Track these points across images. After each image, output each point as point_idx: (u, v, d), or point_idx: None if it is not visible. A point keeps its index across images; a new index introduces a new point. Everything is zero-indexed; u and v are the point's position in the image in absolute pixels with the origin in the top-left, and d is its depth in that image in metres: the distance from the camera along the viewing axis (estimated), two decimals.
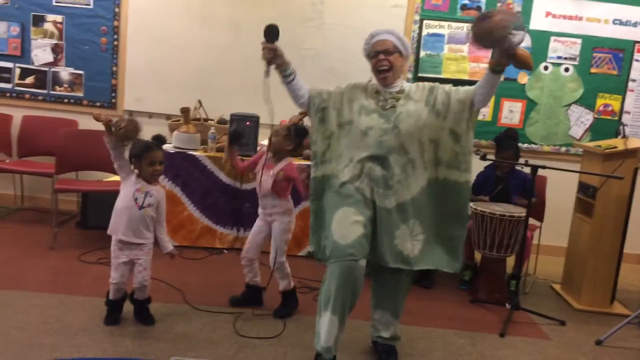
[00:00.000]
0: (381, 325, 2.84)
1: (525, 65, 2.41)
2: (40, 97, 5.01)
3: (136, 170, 2.90)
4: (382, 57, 2.58)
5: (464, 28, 4.88)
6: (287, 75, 2.67)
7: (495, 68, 2.41)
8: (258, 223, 3.30)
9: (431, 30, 4.91)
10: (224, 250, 4.32)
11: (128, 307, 2.99)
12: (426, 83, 2.67)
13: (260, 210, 3.28)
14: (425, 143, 2.56)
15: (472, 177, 4.03)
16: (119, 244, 2.87)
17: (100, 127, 2.86)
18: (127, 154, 2.90)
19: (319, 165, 2.70)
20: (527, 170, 3.60)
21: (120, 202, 2.88)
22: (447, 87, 2.61)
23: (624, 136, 3.82)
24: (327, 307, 2.47)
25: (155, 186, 2.95)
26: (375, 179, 2.54)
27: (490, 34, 2.29)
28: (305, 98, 2.72)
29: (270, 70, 2.65)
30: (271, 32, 2.62)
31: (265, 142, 4.86)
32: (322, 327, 2.50)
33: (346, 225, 2.49)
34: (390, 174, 2.53)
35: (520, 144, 4.45)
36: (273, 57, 2.62)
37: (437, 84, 2.65)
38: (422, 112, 2.56)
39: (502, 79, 2.55)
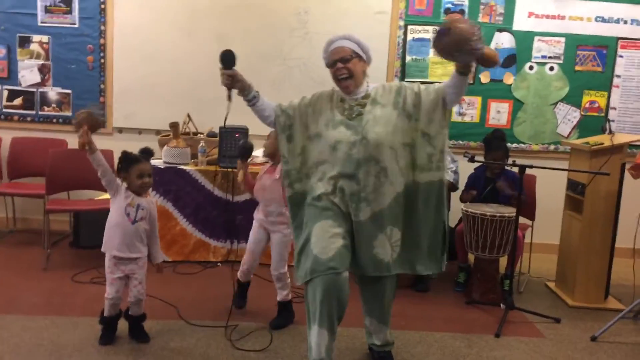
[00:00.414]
0: (373, 331, 2.83)
1: (492, 62, 2.42)
2: (28, 118, 5.01)
3: (125, 184, 2.89)
4: (340, 65, 2.52)
5: None
6: (249, 99, 2.65)
7: (464, 71, 2.41)
8: (257, 231, 3.30)
9: (416, 35, 4.94)
10: (218, 264, 4.32)
11: (123, 326, 2.99)
12: (392, 84, 2.64)
13: (260, 217, 3.26)
14: (399, 149, 2.52)
15: (447, 175, 4.08)
16: (114, 259, 2.86)
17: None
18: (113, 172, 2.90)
19: (294, 184, 2.66)
20: (515, 169, 3.62)
21: (112, 218, 2.87)
22: (416, 86, 2.58)
23: (610, 132, 3.84)
24: (314, 320, 2.47)
25: (146, 198, 2.94)
26: (349, 195, 2.51)
27: (459, 46, 2.26)
28: (271, 118, 2.69)
29: (232, 94, 2.65)
30: (227, 58, 2.60)
31: (256, 153, 4.90)
32: (312, 340, 2.49)
33: (325, 239, 2.47)
34: (362, 187, 2.50)
35: (509, 144, 4.48)
36: (232, 83, 2.59)
37: (403, 84, 2.62)
38: (390, 116, 2.52)
39: (470, 79, 2.53)
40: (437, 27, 4.83)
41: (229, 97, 2.63)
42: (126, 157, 2.88)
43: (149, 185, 2.93)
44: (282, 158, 2.72)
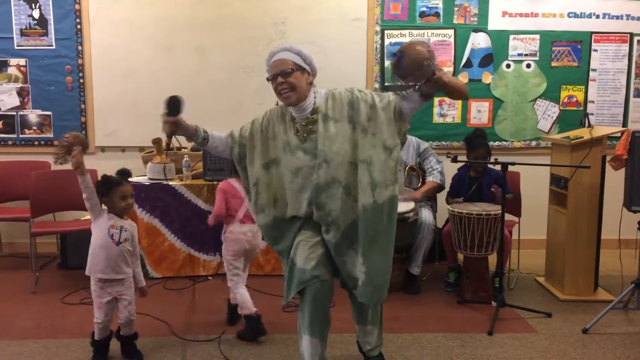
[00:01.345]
0: (362, 337, 2.82)
1: (459, 94, 2.40)
2: (10, 142, 4.97)
3: (105, 207, 2.88)
4: (281, 80, 2.41)
5: (425, 34, 4.96)
6: (200, 143, 2.61)
7: (426, 95, 2.37)
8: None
9: (393, 40, 4.99)
10: (209, 277, 4.30)
11: (115, 346, 2.96)
12: (343, 93, 2.50)
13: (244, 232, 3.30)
14: (359, 165, 2.42)
15: (433, 177, 4.12)
16: (100, 282, 2.84)
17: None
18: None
19: (259, 214, 2.62)
20: (498, 167, 3.66)
21: (96, 241, 2.85)
22: (369, 97, 2.46)
23: (589, 125, 3.90)
24: (305, 330, 2.47)
25: (127, 220, 2.94)
26: (317, 219, 2.48)
27: (417, 65, 2.26)
28: (227, 152, 2.66)
29: (172, 141, 2.62)
30: (173, 105, 2.52)
31: None
32: (305, 350, 2.49)
33: (306, 249, 2.46)
34: (328, 212, 2.45)
35: (491, 142, 4.53)
36: (175, 130, 2.53)
37: (355, 93, 2.48)
38: (345, 132, 2.43)
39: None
40: (412, 31, 4.94)
41: (167, 145, 2.59)
42: (107, 180, 2.86)
43: (131, 206, 2.92)
44: (245, 192, 2.71)
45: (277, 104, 2.66)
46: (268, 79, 2.49)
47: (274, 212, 2.58)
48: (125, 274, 2.88)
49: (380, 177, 2.41)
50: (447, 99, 5.03)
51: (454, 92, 2.38)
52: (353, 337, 3.02)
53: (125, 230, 2.87)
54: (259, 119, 2.64)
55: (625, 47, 5.08)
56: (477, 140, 4.15)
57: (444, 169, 4.20)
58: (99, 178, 2.89)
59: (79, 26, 4.87)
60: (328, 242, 2.50)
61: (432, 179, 4.13)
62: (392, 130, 2.43)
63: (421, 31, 4.97)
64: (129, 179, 2.93)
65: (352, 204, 2.44)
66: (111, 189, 2.83)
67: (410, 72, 2.29)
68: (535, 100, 5.11)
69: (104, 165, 4.83)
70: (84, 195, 2.80)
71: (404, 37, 4.97)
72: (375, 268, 2.46)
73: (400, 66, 2.31)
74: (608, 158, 3.80)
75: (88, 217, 4.34)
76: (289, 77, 2.40)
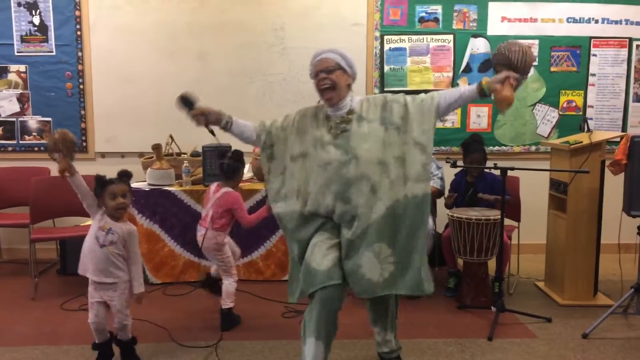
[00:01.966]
0: (380, 340, 2.86)
1: (504, 104, 2.50)
2: (10, 148, 4.98)
3: (104, 207, 2.86)
4: (324, 75, 2.53)
5: (424, 40, 4.98)
6: (224, 127, 2.67)
7: (486, 91, 2.51)
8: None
9: (392, 45, 5.00)
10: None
11: (118, 351, 2.96)
12: (377, 97, 2.62)
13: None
14: (390, 163, 2.51)
15: (433, 182, 4.13)
16: (94, 283, 2.82)
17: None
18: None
19: (277, 202, 2.67)
20: (496, 172, 3.66)
21: (86, 242, 2.84)
22: (401, 98, 2.58)
23: (589, 130, 3.90)
24: (311, 332, 2.48)
25: (121, 222, 2.85)
26: (339, 214, 2.51)
27: (530, 67, 2.58)
28: (253, 138, 2.72)
29: (214, 130, 2.69)
30: (186, 101, 2.61)
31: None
32: (308, 352, 2.49)
33: (322, 251, 2.49)
34: (353, 207, 2.49)
35: (490, 147, 4.53)
36: (206, 119, 2.62)
37: (387, 97, 2.61)
38: (378, 133, 2.52)
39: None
40: (412, 36, 4.95)
41: (213, 133, 2.68)
42: (98, 180, 2.83)
43: (124, 205, 2.83)
44: (264, 176, 2.73)
45: (318, 102, 2.71)
46: (311, 77, 2.61)
47: (296, 203, 2.62)
48: (116, 278, 2.81)
49: (412, 172, 2.50)
50: None
51: (504, 100, 2.49)
52: (367, 342, 3.02)
53: (112, 233, 2.79)
54: (292, 115, 2.73)
55: (624, 52, 5.09)
56: (473, 145, 4.16)
57: (443, 175, 4.20)
58: None
59: (79, 32, 4.89)
60: (346, 242, 2.50)
61: (431, 184, 4.12)
62: (425, 128, 2.53)
63: (421, 36, 4.98)
64: (128, 181, 2.90)
65: (377, 204, 2.48)
66: (102, 188, 2.81)
67: (526, 70, 2.54)
68: (534, 105, 5.12)
69: (103, 171, 4.73)
70: (79, 196, 2.79)
71: (404, 42, 4.98)
72: (406, 260, 2.52)
73: (520, 62, 2.49)
74: (607, 163, 3.79)
75: (88, 222, 4.36)
76: (331, 74, 2.51)
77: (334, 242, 2.53)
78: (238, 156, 3.46)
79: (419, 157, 2.52)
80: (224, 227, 3.39)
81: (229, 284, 3.42)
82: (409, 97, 2.59)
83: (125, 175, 2.90)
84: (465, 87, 2.61)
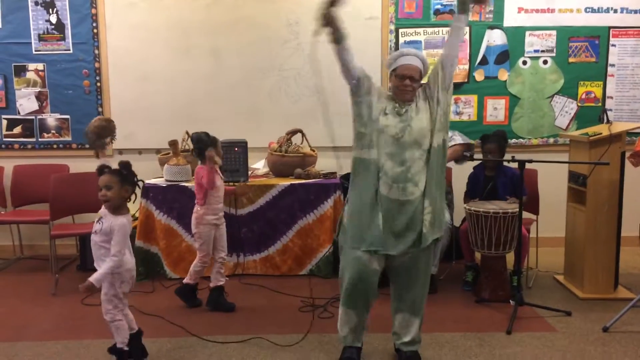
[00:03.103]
0: (402, 329, 2.88)
1: None
2: (29, 146, 5.05)
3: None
4: (409, 82, 2.72)
5: (440, 32, 4.94)
6: (339, 38, 2.71)
7: (464, 8, 2.76)
8: (212, 231, 3.66)
9: (408, 38, 4.97)
10: (226, 278, 4.31)
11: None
12: (424, 87, 2.84)
13: (210, 217, 3.63)
14: (428, 134, 2.75)
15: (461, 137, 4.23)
16: None
17: (91, 168, 2.97)
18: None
19: (358, 149, 2.78)
20: (514, 165, 3.62)
21: None
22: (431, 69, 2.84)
23: (608, 121, 3.84)
24: (342, 303, 2.83)
25: (118, 214, 2.74)
26: (393, 176, 2.68)
27: None
28: (355, 79, 2.75)
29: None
30: None
31: (256, 165, 4.92)
32: (340, 320, 2.88)
33: (367, 221, 2.73)
34: (407, 169, 2.68)
35: (508, 140, 4.47)
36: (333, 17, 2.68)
37: (425, 83, 2.83)
38: (426, 111, 2.77)
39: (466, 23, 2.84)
40: (427, 29, 4.91)
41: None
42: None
43: (104, 197, 2.72)
44: (355, 121, 2.80)
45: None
46: (393, 72, 2.78)
47: (367, 154, 2.75)
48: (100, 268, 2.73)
49: (436, 125, 2.76)
50: (462, 97, 5.01)
51: None
52: (384, 335, 3.02)
53: (100, 223, 2.73)
54: (374, 84, 2.85)
55: None
56: (491, 137, 4.13)
57: (463, 135, 4.24)
58: None
59: (95, 30, 4.93)
60: (398, 204, 2.69)
61: (452, 143, 4.10)
62: (439, 86, 2.78)
63: (436, 29, 4.94)
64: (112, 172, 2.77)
65: (425, 168, 2.73)
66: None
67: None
68: (552, 96, 5.05)
69: None
70: None
71: (419, 35, 4.95)
72: (438, 207, 2.80)
73: None
74: (627, 154, 3.74)
75: None
76: (415, 83, 2.74)
77: (379, 220, 2.74)
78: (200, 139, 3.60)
79: (438, 110, 2.77)
80: (199, 200, 3.64)
81: (194, 263, 3.71)
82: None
83: (100, 169, 2.79)
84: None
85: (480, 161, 4.14)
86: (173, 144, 4.36)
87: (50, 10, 4.90)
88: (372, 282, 2.77)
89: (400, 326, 2.89)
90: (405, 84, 2.72)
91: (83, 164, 4.83)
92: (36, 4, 4.89)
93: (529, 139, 5.08)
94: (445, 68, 2.77)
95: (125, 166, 2.79)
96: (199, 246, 3.68)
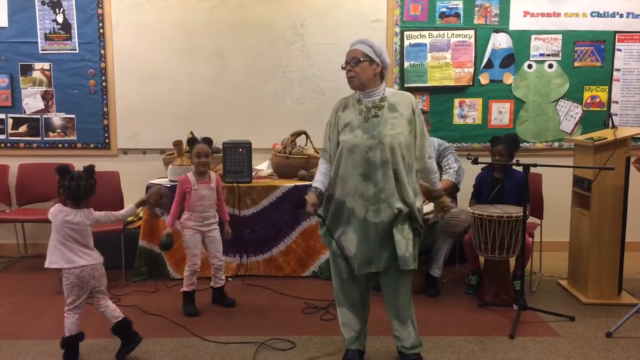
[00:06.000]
0: (399, 333, 2.87)
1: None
2: (34, 145, 5.07)
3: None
4: (349, 67, 2.66)
5: (445, 35, 4.94)
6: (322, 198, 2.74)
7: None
8: (195, 237, 3.65)
9: (413, 41, 4.97)
10: (229, 279, 4.32)
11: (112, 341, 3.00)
12: (408, 99, 2.74)
13: (194, 224, 3.63)
14: (405, 154, 2.67)
15: (449, 175, 4.15)
16: None
17: (96, 168, 3.17)
18: None
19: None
20: (518, 169, 3.62)
21: None
22: (422, 128, 2.74)
23: (613, 126, 3.84)
24: (337, 304, 2.87)
25: (86, 209, 3.06)
26: (367, 197, 2.62)
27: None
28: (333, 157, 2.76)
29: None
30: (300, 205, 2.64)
31: (260, 166, 4.93)
32: (339, 320, 2.89)
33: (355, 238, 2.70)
34: (381, 189, 2.61)
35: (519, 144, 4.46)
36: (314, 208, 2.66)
37: (419, 111, 2.75)
38: (404, 128, 2.66)
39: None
40: (432, 32, 4.92)
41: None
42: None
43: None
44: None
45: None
46: (342, 67, 2.72)
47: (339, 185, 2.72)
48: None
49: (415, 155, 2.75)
50: (467, 101, 5.01)
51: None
52: (374, 339, 3.01)
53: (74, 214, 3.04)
54: (335, 107, 2.80)
55: None
56: (502, 139, 4.12)
57: (462, 170, 4.15)
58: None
59: (101, 30, 4.95)
60: (374, 226, 2.62)
61: (446, 176, 4.09)
62: (419, 147, 2.75)
63: (441, 32, 4.95)
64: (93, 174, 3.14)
65: (400, 188, 2.64)
66: None
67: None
68: (557, 101, 5.05)
69: (126, 167, 4.92)
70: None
71: (424, 37, 4.95)
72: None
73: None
74: (632, 159, 3.73)
75: None
76: (356, 66, 2.64)
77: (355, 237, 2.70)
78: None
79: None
80: (186, 205, 3.66)
81: (185, 268, 3.69)
82: (419, 131, 2.73)
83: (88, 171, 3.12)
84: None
85: (485, 165, 4.13)
86: (177, 144, 4.37)
87: (57, 10, 4.92)
88: (358, 277, 2.75)
89: (397, 331, 2.87)
90: (347, 69, 2.67)
91: (87, 163, 4.82)
92: (43, 3, 4.91)
93: (534, 143, 5.07)
94: (420, 157, 2.75)
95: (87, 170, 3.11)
96: (185, 250, 3.72)
